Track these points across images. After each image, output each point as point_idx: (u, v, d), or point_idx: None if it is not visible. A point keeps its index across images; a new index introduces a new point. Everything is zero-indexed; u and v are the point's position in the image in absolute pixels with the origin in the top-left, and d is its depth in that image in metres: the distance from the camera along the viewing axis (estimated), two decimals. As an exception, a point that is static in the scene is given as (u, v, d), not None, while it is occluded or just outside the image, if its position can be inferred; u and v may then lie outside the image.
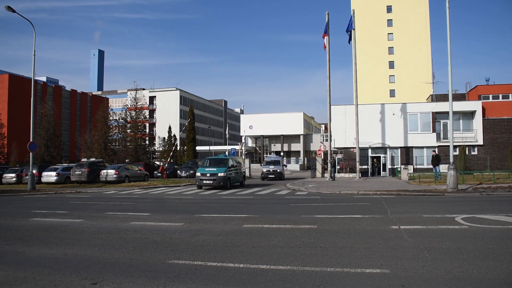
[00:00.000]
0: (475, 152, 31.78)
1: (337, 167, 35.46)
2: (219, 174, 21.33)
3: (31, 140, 24.03)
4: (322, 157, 35.65)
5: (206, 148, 68.84)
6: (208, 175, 21.44)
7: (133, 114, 53.29)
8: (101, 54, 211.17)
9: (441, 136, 32.52)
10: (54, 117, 52.86)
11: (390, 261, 5.79)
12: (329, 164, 29.24)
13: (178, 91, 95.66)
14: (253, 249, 6.77)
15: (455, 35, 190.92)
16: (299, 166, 63.34)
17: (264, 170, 32.06)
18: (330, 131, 30.50)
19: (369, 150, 33.09)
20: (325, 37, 28.86)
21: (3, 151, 53.41)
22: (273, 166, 32.03)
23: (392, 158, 32.93)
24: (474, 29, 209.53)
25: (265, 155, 63.67)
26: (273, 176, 31.56)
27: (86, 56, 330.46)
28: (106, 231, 8.83)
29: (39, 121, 52.20)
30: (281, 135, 66.41)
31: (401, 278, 5.01)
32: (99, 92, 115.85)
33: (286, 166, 60.94)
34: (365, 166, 32.92)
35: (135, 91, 53.68)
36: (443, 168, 25.80)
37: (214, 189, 21.67)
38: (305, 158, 67.59)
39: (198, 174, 21.97)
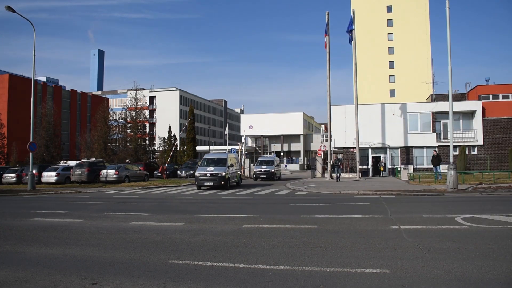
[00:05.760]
0: (475, 152, 31.77)
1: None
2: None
3: (31, 140, 24.03)
4: (322, 157, 35.62)
5: (206, 148, 68.78)
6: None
7: (133, 114, 53.32)
8: (101, 54, 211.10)
9: (441, 136, 32.51)
10: (54, 117, 52.85)
11: (390, 261, 5.79)
12: (329, 164, 29.23)
13: (178, 91, 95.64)
14: (253, 249, 6.77)
15: (455, 35, 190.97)
16: (299, 166, 63.34)
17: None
18: (330, 131, 30.50)
19: (369, 150, 33.08)
20: (325, 37, 28.89)
21: (3, 151, 53.39)
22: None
23: (392, 158, 32.92)
24: (474, 29, 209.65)
25: (265, 155, 63.57)
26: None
27: (86, 56, 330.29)
28: (106, 231, 8.83)
29: (39, 121, 52.17)
30: (281, 135, 66.40)
31: (401, 278, 5.01)
32: (99, 92, 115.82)
33: (286, 166, 61.07)
34: (365, 166, 32.91)
35: (135, 91, 53.71)
36: (443, 168, 25.79)
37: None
38: (305, 158, 67.59)
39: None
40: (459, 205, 12.26)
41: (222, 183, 20.99)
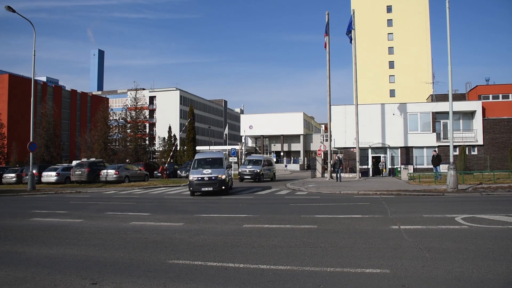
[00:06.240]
0: (475, 152, 31.77)
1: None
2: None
3: (31, 140, 24.03)
4: (322, 157, 35.60)
5: (206, 148, 68.87)
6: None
7: (133, 114, 53.27)
8: (101, 54, 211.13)
9: (441, 136, 32.51)
10: (54, 117, 52.84)
11: (390, 261, 5.79)
12: (329, 164, 29.20)
13: (178, 91, 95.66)
14: (253, 249, 6.77)
15: (455, 35, 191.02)
16: (299, 166, 63.37)
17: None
18: (330, 131, 30.48)
19: (369, 150, 33.08)
20: (326, 37, 28.90)
21: (3, 151, 53.40)
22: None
23: (392, 158, 32.92)
24: (474, 29, 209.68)
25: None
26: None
27: (86, 56, 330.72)
28: (106, 231, 8.83)
29: (39, 121, 52.17)
30: (281, 135, 66.42)
31: (401, 278, 5.01)
32: (99, 92, 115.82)
33: (286, 166, 61.08)
34: (365, 166, 32.91)
35: (135, 91, 53.65)
36: (443, 168, 25.80)
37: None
38: (305, 158, 67.60)
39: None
40: (459, 205, 12.25)
41: (223, 187, 17.78)
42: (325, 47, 29.11)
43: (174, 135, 63.86)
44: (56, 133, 52.44)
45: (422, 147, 32.43)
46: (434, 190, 17.14)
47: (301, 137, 66.64)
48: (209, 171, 17.98)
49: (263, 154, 65.31)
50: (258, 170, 28.78)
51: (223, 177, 17.85)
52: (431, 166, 27.07)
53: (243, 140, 67.52)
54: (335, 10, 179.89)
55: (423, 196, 15.63)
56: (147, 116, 74.06)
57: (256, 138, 70.79)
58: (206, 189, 17.68)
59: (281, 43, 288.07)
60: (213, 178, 17.69)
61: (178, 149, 58.90)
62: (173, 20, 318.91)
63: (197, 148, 59.64)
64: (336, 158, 28.69)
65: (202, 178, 17.71)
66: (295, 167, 62.29)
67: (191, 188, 17.95)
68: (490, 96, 42.90)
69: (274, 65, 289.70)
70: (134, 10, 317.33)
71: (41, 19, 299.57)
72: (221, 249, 6.77)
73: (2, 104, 62.72)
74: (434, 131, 32.28)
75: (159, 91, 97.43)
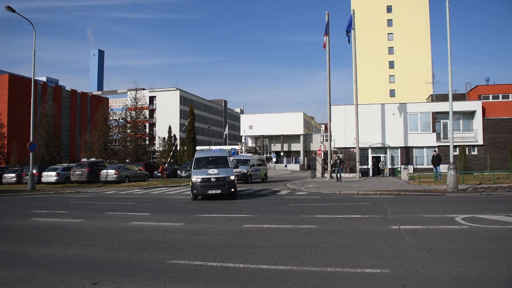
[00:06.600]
0: (475, 152, 31.77)
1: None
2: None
3: (31, 140, 24.03)
4: (322, 157, 35.59)
5: (206, 148, 68.88)
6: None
7: (133, 114, 53.23)
8: (101, 54, 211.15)
9: (441, 136, 32.50)
10: (54, 117, 52.80)
11: (390, 261, 5.79)
12: (329, 164, 29.19)
13: (178, 91, 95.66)
14: (253, 249, 6.77)
15: (455, 35, 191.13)
16: (299, 166, 63.37)
17: None
18: (330, 131, 30.46)
19: (369, 150, 33.08)
20: (325, 37, 28.89)
21: (3, 151, 53.39)
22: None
23: (392, 158, 32.92)
24: (474, 29, 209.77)
25: (265, 155, 63.59)
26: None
27: (86, 56, 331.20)
28: (106, 231, 8.83)
29: (39, 121, 52.14)
30: (281, 135, 66.40)
31: (401, 278, 5.01)
32: (99, 92, 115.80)
33: (286, 166, 61.09)
34: (365, 166, 32.90)
35: (135, 91, 53.61)
36: (443, 168, 25.79)
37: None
38: (305, 158, 67.60)
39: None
40: (459, 205, 12.25)
41: (232, 190, 15.66)
42: (324, 47, 29.10)
43: (174, 135, 63.89)
44: (56, 133, 52.40)
45: (422, 147, 32.43)
46: (434, 190, 17.14)
47: (301, 137, 66.62)
48: (215, 171, 15.76)
49: (263, 154, 65.31)
50: (245, 171, 27.12)
51: (232, 178, 15.73)
52: (431, 166, 27.05)
53: (243, 140, 67.55)
54: (335, 10, 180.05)
55: (423, 196, 15.63)
56: (147, 116, 74.03)
57: (256, 138, 70.77)
58: (214, 191, 15.35)
59: (281, 43, 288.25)
60: (221, 179, 15.45)
61: (178, 149, 58.91)
62: (173, 20, 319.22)
63: (197, 148, 59.63)
64: (337, 157, 28.62)
65: (208, 179, 15.36)
66: (295, 167, 62.29)
67: (194, 191, 15.51)
68: (490, 96, 42.88)
69: (274, 65, 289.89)
70: (134, 10, 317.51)
71: (41, 19, 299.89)
72: (221, 249, 6.77)
73: (2, 104, 62.71)
74: (434, 131, 32.28)
75: (159, 91, 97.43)
